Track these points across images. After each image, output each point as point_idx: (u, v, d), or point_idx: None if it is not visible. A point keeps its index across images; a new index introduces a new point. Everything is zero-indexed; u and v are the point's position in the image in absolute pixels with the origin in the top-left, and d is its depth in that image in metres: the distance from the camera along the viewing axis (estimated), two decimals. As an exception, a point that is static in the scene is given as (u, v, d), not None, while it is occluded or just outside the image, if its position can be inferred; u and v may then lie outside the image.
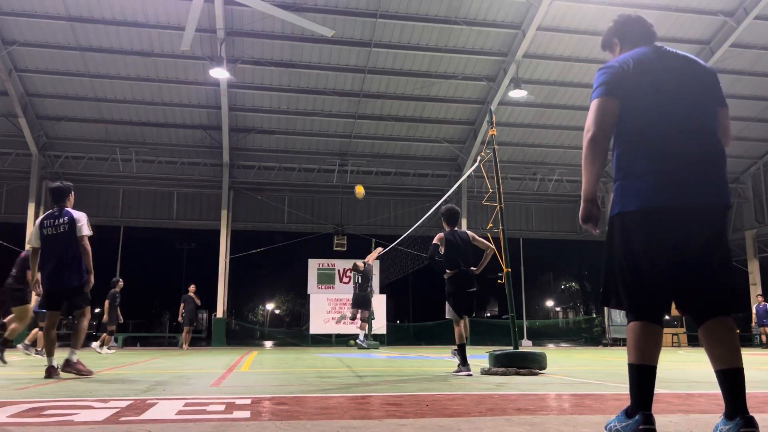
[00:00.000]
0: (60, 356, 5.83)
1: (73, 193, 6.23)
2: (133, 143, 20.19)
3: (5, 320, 9.32)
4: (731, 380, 2.12)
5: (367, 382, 5.24)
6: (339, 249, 22.05)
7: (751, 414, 2.07)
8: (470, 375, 5.94)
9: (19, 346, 11.05)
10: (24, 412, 3.09)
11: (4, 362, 7.90)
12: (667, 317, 2.48)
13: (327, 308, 21.04)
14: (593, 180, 2.37)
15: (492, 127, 7.40)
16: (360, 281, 14.85)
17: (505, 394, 4.10)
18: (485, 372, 6.21)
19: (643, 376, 2.22)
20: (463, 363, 6.16)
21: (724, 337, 2.18)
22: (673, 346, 20.52)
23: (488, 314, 58.55)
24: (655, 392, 2.24)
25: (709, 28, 17.07)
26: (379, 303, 20.02)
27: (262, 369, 7.41)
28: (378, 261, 17.34)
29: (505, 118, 20.08)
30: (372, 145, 21.26)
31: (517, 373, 5.95)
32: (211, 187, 21.15)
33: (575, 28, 16.79)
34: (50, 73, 17.62)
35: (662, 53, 2.43)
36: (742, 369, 2.13)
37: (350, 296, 15.88)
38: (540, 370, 6.20)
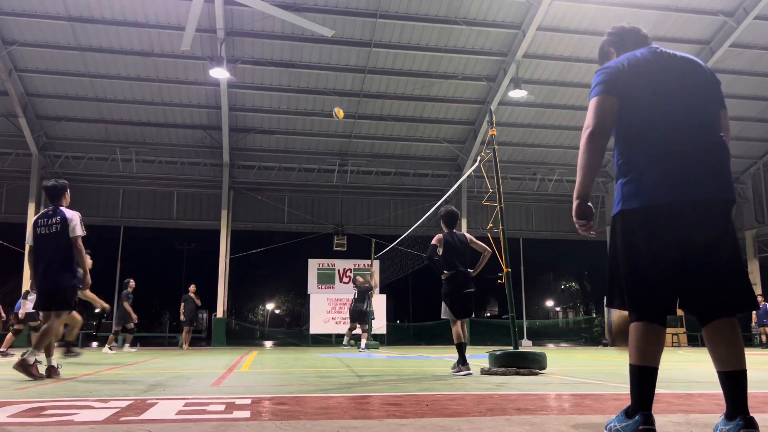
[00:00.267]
0: (59, 357, 5.82)
1: (68, 191, 6.15)
2: (133, 143, 20.19)
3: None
4: (734, 382, 2.11)
5: (367, 382, 5.24)
6: (339, 249, 22.05)
7: (751, 414, 2.07)
8: (470, 374, 5.95)
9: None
10: (24, 412, 3.09)
11: (77, 354, 8.45)
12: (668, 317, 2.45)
13: (327, 308, 21.04)
14: (588, 179, 2.36)
15: (492, 127, 7.40)
16: (356, 296, 15.24)
17: (505, 394, 4.10)
18: (485, 372, 6.21)
19: (644, 378, 2.21)
20: (463, 362, 6.18)
21: (729, 338, 2.16)
22: (673, 346, 20.52)
23: (488, 314, 58.57)
24: (655, 392, 2.24)
25: (709, 28, 17.07)
26: (379, 303, 20.03)
27: (262, 369, 7.41)
28: (378, 260, 17.48)
29: (505, 118, 20.08)
30: (372, 145, 21.26)
31: (517, 373, 5.95)
32: (211, 187, 21.15)
33: (575, 28, 16.80)
34: (50, 73, 17.62)
35: (660, 53, 2.43)
36: (746, 371, 2.12)
37: (350, 296, 16.07)
38: (540, 370, 6.20)
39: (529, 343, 22.62)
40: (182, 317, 16.90)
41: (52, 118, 19.21)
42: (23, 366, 5.32)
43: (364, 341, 14.86)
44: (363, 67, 17.90)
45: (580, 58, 17.80)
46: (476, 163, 7.87)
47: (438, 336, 23.45)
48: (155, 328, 44.99)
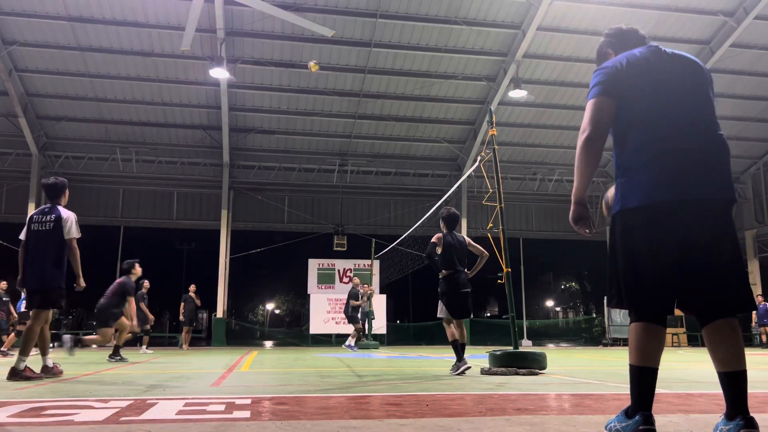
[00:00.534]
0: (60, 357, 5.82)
1: (67, 190, 6.09)
2: (133, 143, 20.19)
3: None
4: (734, 382, 2.10)
5: (367, 382, 5.24)
6: (339, 249, 22.06)
7: (751, 414, 2.07)
8: (469, 367, 6.01)
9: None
10: (24, 412, 3.09)
11: (124, 360, 9.02)
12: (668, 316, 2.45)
13: (327, 308, 21.05)
14: (585, 182, 2.36)
15: (492, 127, 7.40)
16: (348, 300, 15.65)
17: (505, 394, 4.10)
18: (485, 372, 6.21)
19: (644, 378, 2.20)
20: (459, 358, 6.23)
21: (730, 339, 2.15)
22: (673, 346, 20.52)
23: (488, 314, 58.57)
24: (655, 392, 2.23)
25: (709, 28, 17.07)
26: (379, 303, 20.05)
27: (262, 369, 7.41)
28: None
29: (505, 118, 20.08)
30: (372, 145, 21.26)
31: (517, 373, 5.95)
32: (211, 187, 21.15)
33: (575, 28, 16.80)
34: (50, 73, 17.62)
35: (659, 52, 2.43)
36: (746, 371, 2.12)
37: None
38: (540, 370, 6.20)
39: (529, 343, 22.62)
40: (181, 317, 16.90)
41: (52, 118, 19.21)
42: (15, 375, 5.31)
43: (351, 339, 15.07)
44: (363, 67, 17.90)
45: (580, 58, 17.80)
46: (476, 163, 7.88)
47: (438, 336, 23.45)
48: (155, 328, 44.90)
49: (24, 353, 5.43)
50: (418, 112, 19.87)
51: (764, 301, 18.53)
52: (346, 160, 21.41)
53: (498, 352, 6.40)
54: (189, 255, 45.70)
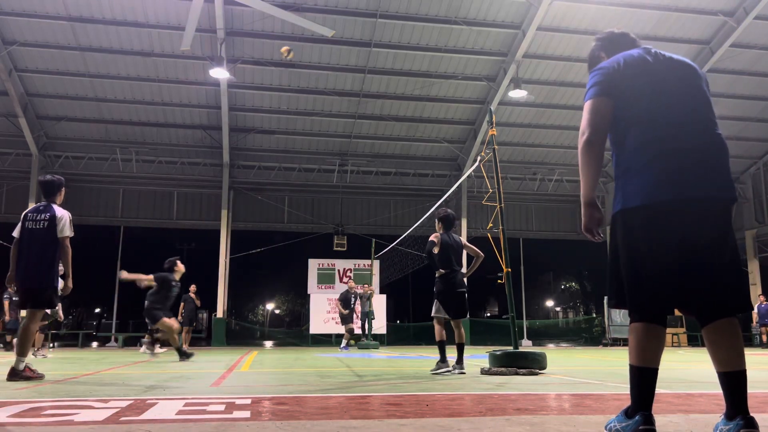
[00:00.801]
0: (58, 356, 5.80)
1: (63, 188, 6.03)
2: (133, 143, 20.20)
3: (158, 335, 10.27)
4: (734, 382, 2.10)
5: (367, 382, 5.24)
6: (339, 249, 22.06)
7: (751, 414, 2.07)
8: (449, 372, 6.02)
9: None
10: (24, 412, 3.09)
11: (191, 355, 9.17)
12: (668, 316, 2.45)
13: (327, 308, 21.05)
14: (592, 183, 2.36)
15: (492, 127, 7.40)
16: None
17: (505, 394, 4.10)
18: (485, 372, 6.21)
19: (644, 378, 2.20)
20: (443, 360, 6.28)
21: (730, 339, 2.15)
22: (673, 346, 20.52)
23: (488, 314, 58.56)
24: (655, 392, 2.23)
25: (709, 28, 17.07)
26: (379, 303, 20.06)
27: (262, 369, 7.41)
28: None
29: (505, 118, 20.08)
30: (372, 145, 21.26)
31: (517, 373, 5.95)
32: (211, 187, 21.15)
33: (575, 28, 16.79)
34: (50, 73, 17.62)
35: (655, 54, 2.44)
36: (746, 371, 2.12)
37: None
38: (540, 370, 6.20)
39: (529, 343, 22.62)
40: (181, 317, 16.89)
41: (52, 118, 19.21)
42: (15, 375, 5.28)
43: (344, 341, 15.27)
44: (363, 67, 17.90)
45: (580, 58, 17.79)
46: (476, 163, 7.88)
47: (438, 336, 23.41)
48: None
49: (22, 353, 5.41)
50: (418, 112, 19.87)
51: (766, 300, 18.53)
52: (346, 160, 21.41)
53: (498, 352, 6.40)
54: (189, 255, 45.65)
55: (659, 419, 2.50)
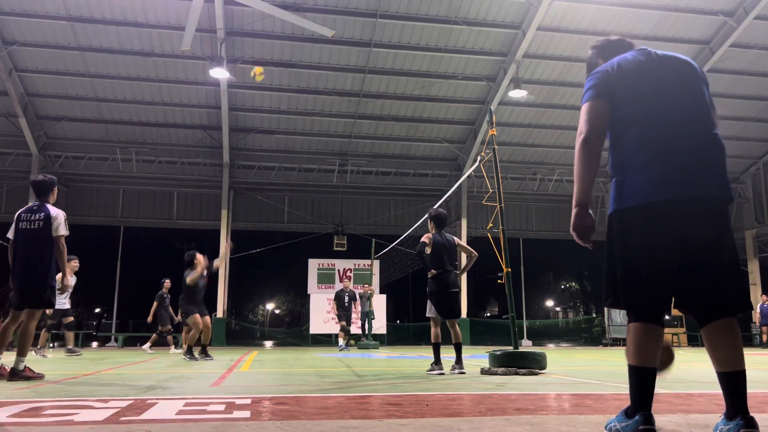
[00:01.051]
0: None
1: (56, 188, 6.02)
2: (133, 143, 20.19)
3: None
4: (734, 382, 2.10)
5: (367, 382, 5.24)
6: (339, 249, 22.07)
7: (751, 414, 2.06)
8: (443, 374, 6.01)
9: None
10: (24, 412, 3.09)
11: (197, 358, 9.26)
12: (666, 317, 2.45)
13: (327, 308, 21.04)
14: (587, 186, 2.35)
15: (492, 127, 7.40)
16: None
17: (505, 394, 4.10)
18: (485, 372, 6.21)
19: (643, 378, 2.20)
20: (437, 362, 6.28)
21: (729, 339, 2.15)
22: (673, 346, 20.50)
23: (488, 314, 58.56)
24: (655, 392, 2.23)
25: (709, 28, 17.07)
26: (379, 303, 20.06)
27: (262, 369, 7.41)
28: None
29: (505, 118, 20.08)
30: (372, 145, 21.26)
31: (517, 373, 5.95)
32: (211, 187, 21.15)
33: (575, 28, 16.79)
34: (50, 73, 17.62)
35: (651, 53, 2.44)
36: (745, 371, 2.12)
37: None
38: (540, 370, 6.20)
39: (529, 343, 22.62)
40: (180, 317, 16.91)
41: (52, 118, 19.21)
42: (15, 375, 5.28)
43: (341, 340, 15.30)
44: (363, 67, 17.89)
45: (580, 58, 17.78)
46: (476, 163, 7.88)
47: (438, 336, 23.42)
48: (155, 328, 44.98)
49: (21, 353, 5.40)
50: (418, 112, 19.87)
51: None
52: (346, 160, 21.41)
53: (498, 352, 6.40)
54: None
55: (659, 419, 2.50)
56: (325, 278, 21.90)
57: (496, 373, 6.05)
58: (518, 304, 21.08)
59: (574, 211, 2.38)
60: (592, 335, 27.61)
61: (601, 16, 16.25)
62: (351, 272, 21.89)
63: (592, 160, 2.35)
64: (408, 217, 21.05)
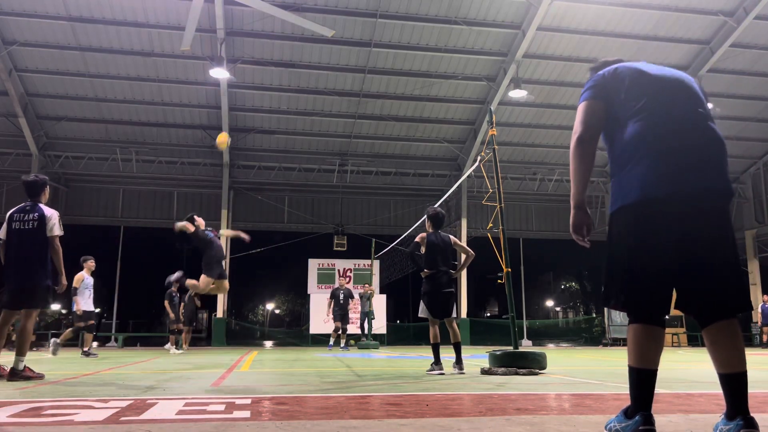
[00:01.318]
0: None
1: (48, 187, 6.00)
2: (133, 143, 20.19)
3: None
4: (735, 383, 2.10)
5: (367, 382, 5.24)
6: (339, 249, 22.07)
7: (751, 414, 2.06)
8: (443, 374, 6.00)
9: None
10: (24, 412, 3.09)
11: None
12: (666, 317, 2.45)
13: (327, 308, 21.06)
14: (582, 185, 2.37)
15: (492, 127, 7.40)
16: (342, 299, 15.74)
17: (505, 394, 4.10)
18: (485, 372, 6.21)
19: (643, 380, 2.19)
20: (437, 362, 6.27)
21: (731, 340, 2.14)
22: (673, 346, 20.51)
23: (488, 314, 58.56)
24: (655, 392, 2.23)
25: (709, 28, 17.07)
26: (379, 303, 20.06)
27: (262, 369, 7.41)
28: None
29: (505, 118, 20.08)
30: (372, 145, 21.26)
31: (517, 373, 5.95)
32: (211, 187, 21.15)
33: (575, 28, 16.79)
34: (50, 73, 17.62)
35: (650, 64, 2.49)
36: (746, 372, 2.12)
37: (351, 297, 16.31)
38: (540, 370, 6.20)
39: (529, 343, 22.62)
40: (181, 317, 16.91)
41: (52, 118, 19.21)
42: (15, 375, 5.27)
43: (332, 339, 15.40)
44: (363, 67, 17.90)
45: (580, 58, 17.79)
46: (476, 163, 7.88)
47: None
48: (155, 328, 44.95)
49: (21, 353, 5.39)
50: (418, 112, 19.87)
51: (768, 300, 18.54)
52: (346, 160, 21.41)
53: (498, 352, 6.40)
54: (189, 255, 45.67)
55: (659, 419, 2.50)
56: (325, 278, 21.90)
57: (496, 373, 6.05)
58: (518, 304, 21.07)
59: (572, 212, 2.40)
60: (592, 335, 27.60)
61: (601, 16, 16.25)
62: (351, 272, 21.89)
63: (586, 158, 2.37)
64: (408, 217, 21.05)
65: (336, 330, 15.56)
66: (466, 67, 18.25)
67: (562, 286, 61.75)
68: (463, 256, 6.89)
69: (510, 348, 6.56)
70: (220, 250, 8.77)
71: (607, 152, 2.46)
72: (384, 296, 21.57)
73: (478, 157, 7.94)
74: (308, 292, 22.11)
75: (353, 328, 17.50)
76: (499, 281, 7.05)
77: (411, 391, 4.27)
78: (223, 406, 3.35)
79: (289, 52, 17.37)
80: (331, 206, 22.46)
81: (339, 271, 21.99)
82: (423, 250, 6.62)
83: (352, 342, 17.13)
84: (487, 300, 60.00)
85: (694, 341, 21.42)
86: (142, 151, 20.29)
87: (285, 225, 22.45)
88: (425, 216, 6.99)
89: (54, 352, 10.98)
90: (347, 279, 21.57)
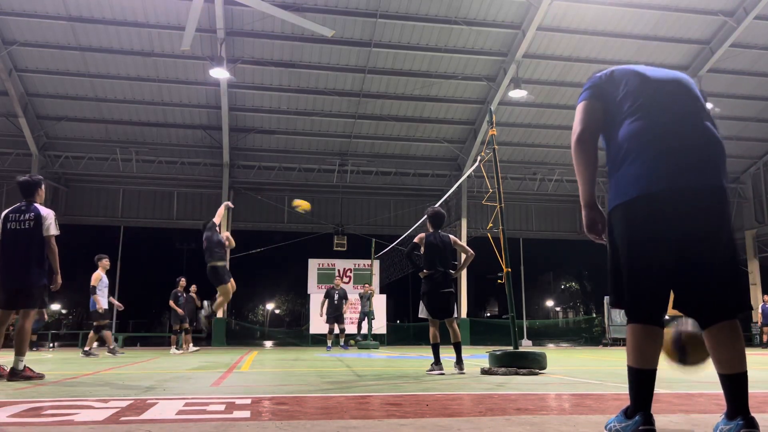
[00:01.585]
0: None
1: (42, 187, 5.96)
2: (133, 143, 20.19)
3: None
4: (736, 384, 2.09)
5: (367, 381, 5.24)
6: (339, 249, 22.07)
7: (751, 414, 2.06)
8: (443, 374, 5.99)
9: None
10: (24, 412, 3.09)
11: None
12: (666, 317, 2.45)
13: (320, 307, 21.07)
14: (589, 183, 2.37)
15: (492, 127, 7.39)
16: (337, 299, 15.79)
17: (505, 394, 4.10)
18: (485, 372, 6.21)
19: (642, 380, 2.19)
20: (437, 362, 6.28)
21: (732, 342, 2.14)
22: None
23: (488, 314, 58.58)
24: (655, 392, 2.23)
25: (709, 28, 17.07)
26: (379, 303, 20.06)
27: (262, 369, 7.41)
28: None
29: (505, 118, 20.08)
30: (372, 145, 21.26)
31: (517, 373, 5.95)
32: (211, 187, 21.15)
33: (575, 28, 16.79)
34: (50, 73, 17.62)
35: (645, 66, 2.51)
36: (747, 373, 2.12)
37: (350, 297, 16.32)
38: (540, 370, 6.19)
39: (529, 343, 22.62)
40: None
41: (52, 118, 19.21)
42: (15, 375, 5.26)
43: (341, 339, 15.38)
44: (363, 67, 17.90)
45: (580, 58, 17.79)
46: (476, 163, 7.87)
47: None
48: (155, 328, 44.97)
49: (20, 353, 5.39)
50: (418, 112, 19.87)
51: (769, 300, 18.53)
52: (346, 160, 21.41)
53: (498, 352, 6.39)
54: (189, 255, 45.72)
55: (659, 419, 2.50)
56: (325, 278, 21.88)
57: (496, 373, 6.04)
58: (518, 304, 21.08)
59: (584, 211, 2.41)
60: (592, 335, 27.61)
61: (601, 16, 16.25)
62: (351, 272, 21.89)
63: (588, 157, 2.38)
64: (408, 217, 21.05)
65: (330, 332, 15.55)
66: (466, 67, 18.25)
67: (562, 286, 61.77)
68: (463, 256, 6.89)
69: (510, 348, 6.56)
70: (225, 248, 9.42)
71: (605, 151, 2.46)
72: (384, 296, 21.57)
73: (478, 157, 7.94)
74: (308, 292, 22.11)
75: (352, 328, 17.53)
76: (499, 281, 7.05)
77: (411, 391, 4.27)
78: (223, 406, 3.35)
79: (289, 52, 17.37)
80: (331, 206, 22.46)
81: (339, 271, 22.00)
82: (422, 250, 6.63)
83: (351, 342, 17.13)
84: (487, 300, 60.03)
85: (694, 341, 21.38)
86: (142, 151, 20.29)
87: (285, 225, 22.45)
88: (425, 216, 6.98)
89: (113, 353, 11.39)
90: (347, 279, 21.57)
